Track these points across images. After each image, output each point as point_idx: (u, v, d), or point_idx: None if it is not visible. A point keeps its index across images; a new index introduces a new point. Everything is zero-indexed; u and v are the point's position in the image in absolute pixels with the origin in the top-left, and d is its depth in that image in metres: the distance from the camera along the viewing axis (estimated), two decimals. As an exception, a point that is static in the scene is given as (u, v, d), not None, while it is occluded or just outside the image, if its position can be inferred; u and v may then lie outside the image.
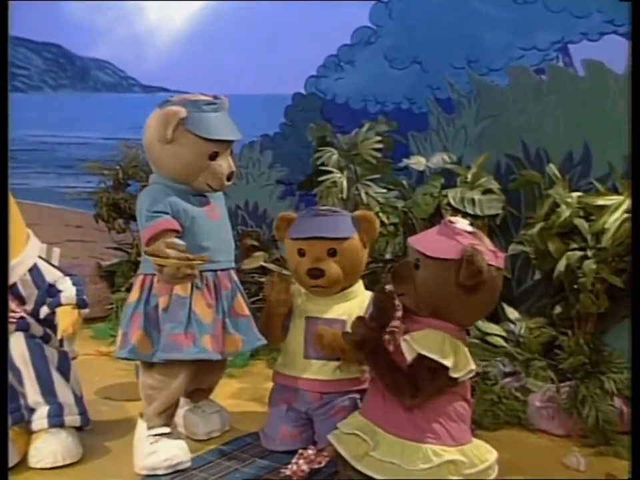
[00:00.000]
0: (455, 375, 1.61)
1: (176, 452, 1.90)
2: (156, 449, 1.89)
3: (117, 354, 1.96)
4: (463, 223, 1.67)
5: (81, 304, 2.11)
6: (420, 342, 1.62)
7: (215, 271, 1.96)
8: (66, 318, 2.04)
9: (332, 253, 1.92)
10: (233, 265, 2.05)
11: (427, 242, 1.66)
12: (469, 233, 1.65)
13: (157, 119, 1.92)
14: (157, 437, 1.91)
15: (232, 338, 1.95)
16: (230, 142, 1.99)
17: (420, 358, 1.61)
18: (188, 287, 1.91)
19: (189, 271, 1.80)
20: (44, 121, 4.08)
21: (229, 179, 1.99)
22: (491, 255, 1.63)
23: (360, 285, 2.03)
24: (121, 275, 3.13)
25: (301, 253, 1.94)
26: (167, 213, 1.90)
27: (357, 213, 2.03)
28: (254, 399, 2.38)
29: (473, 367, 1.66)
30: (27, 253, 2.05)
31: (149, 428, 1.93)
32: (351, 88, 3.40)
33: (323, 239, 1.92)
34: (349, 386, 1.96)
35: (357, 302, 1.98)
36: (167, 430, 1.94)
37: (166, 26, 3.84)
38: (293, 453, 1.92)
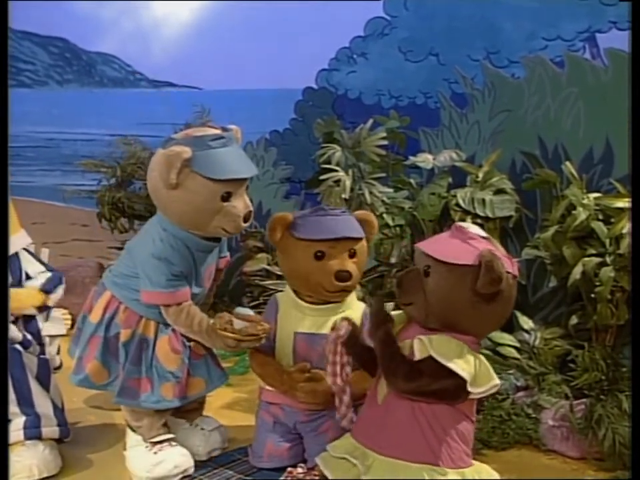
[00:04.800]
0: (474, 391, 1.50)
1: (182, 458, 1.85)
2: (162, 457, 1.82)
3: (70, 378, 1.87)
4: (474, 228, 1.58)
5: (46, 288, 2.00)
6: (437, 347, 1.49)
7: None
8: (22, 293, 1.95)
9: (352, 254, 1.80)
10: None
11: (439, 246, 1.54)
12: (483, 238, 1.54)
13: (159, 162, 1.72)
14: (160, 446, 1.85)
15: (195, 380, 1.86)
16: (244, 179, 1.79)
17: (430, 361, 1.48)
18: (153, 329, 1.81)
19: (264, 342, 1.78)
20: (50, 116, 4.03)
21: (245, 220, 1.79)
22: (507, 261, 1.52)
23: (353, 296, 1.90)
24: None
25: (318, 256, 1.78)
26: (185, 276, 1.80)
27: (359, 213, 1.90)
28: (249, 410, 2.25)
29: (497, 381, 1.53)
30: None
31: (149, 439, 1.86)
32: (364, 82, 3.29)
33: (346, 240, 1.79)
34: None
35: (349, 314, 1.80)
36: (170, 435, 1.88)
37: (173, 19, 3.76)
38: (281, 470, 1.85)
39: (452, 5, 3.09)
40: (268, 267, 2.80)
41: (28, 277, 2.03)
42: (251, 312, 1.84)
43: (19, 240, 2.01)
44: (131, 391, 1.80)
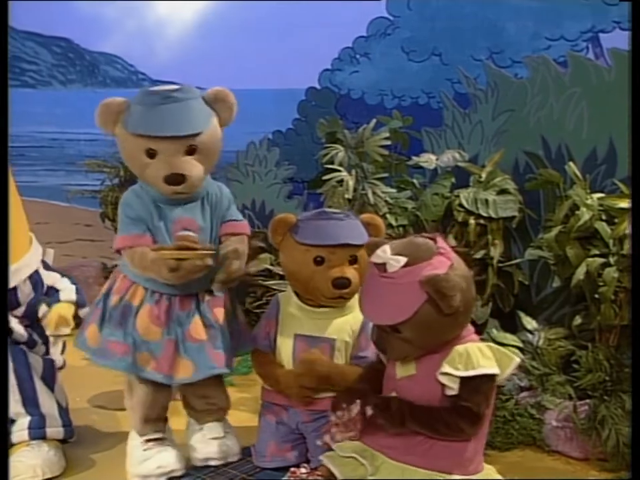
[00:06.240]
0: (501, 377, 1.51)
1: (168, 459, 1.84)
2: (148, 455, 1.84)
3: (74, 342, 1.93)
4: (391, 261, 1.49)
5: (80, 302, 2.04)
6: (459, 365, 1.48)
7: (175, 295, 1.84)
8: (60, 313, 1.97)
9: (353, 261, 1.79)
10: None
11: (383, 309, 1.51)
12: (404, 265, 1.47)
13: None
14: (150, 444, 1.86)
15: (184, 363, 1.84)
16: (175, 139, 1.72)
17: (466, 382, 1.48)
18: (139, 297, 1.83)
19: (210, 261, 1.74)
20: (53, 117, 4.03)
21: (172, 183, 1.73)
22: (438, 261, 1.47)
23: (355, 299, 1.85)
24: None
25: (318, 261, 1.78)
26: (144, 223, 1.80)
27: (365, 217, 1.89)
28: (253, 411, 2.25)
29: (517, 359, 1.54)
30: (28, 258, 1.97)
31: (141, 435, 1.88)
32: (367, 82, 3.30)
33: (347, 246, 1.77)
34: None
35: (351, 317, 1.83)
36: (159, 435, 1.89)
37: (176, 19, 3.76)
38: (285, 470, 1.85)
39: (455, 5, 3.09)
40: (271, 267, 2.80)
41: (49, 289, 2.04)
42: (192, 234, 1.78)
43: (34, 255, 2.01)
44: (108, 352, 1.82)
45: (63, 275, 2.12)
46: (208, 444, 1.93)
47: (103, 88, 4.01)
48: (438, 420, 1.49)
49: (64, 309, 1.99)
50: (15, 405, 1.86)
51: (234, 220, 1.92)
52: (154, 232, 1.80)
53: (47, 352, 2.03)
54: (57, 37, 4.06)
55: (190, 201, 1.83)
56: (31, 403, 1.88)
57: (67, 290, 2.05)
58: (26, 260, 1.94)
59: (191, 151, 1.75)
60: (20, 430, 1.85)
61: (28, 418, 1.87)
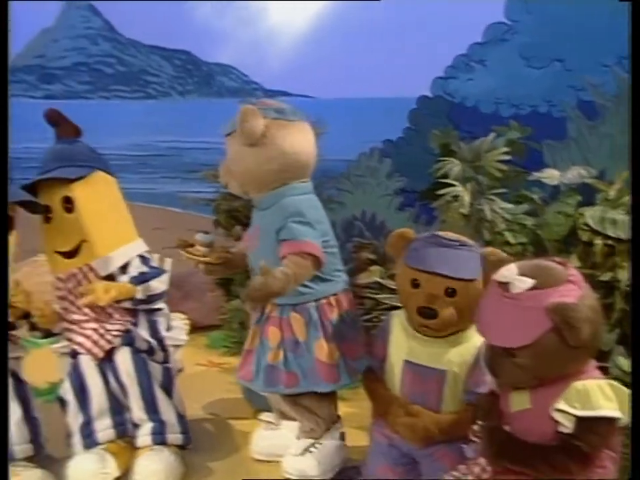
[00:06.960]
0: (625, 420, 1.40)
1: (257, 443, 2.08)
2: (259, 431, 2.11)
3: None
4: (515, 280, 1.40)
5: (133, 280, 2.00)
6: (576, 403, 1.40)
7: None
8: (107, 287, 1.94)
9: (450, 293, 1.67)
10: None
11: (506, 330, 1.42)
12: (532, 288, 1.39)
13: None
14: (263, 423, 2.12)
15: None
16: None
17: (583, 422, 1.39)
18: None
19: (211, 267, 1.96)
20: (172, 126, 4.19)
21: None
22: (567, 289, 1.38)
23: (473, 328, 1.75)
24: (237, 282, 3.10)
25: (415, 284, 1.71)
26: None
27: (488, 251, 1.73)
28: (361, 427, 2.23)
29: None
30: (120, 252, 2.04)
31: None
32: (482, 90, 3.19)
33: (445, 277, 1.67)
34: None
35: (464, 348, 1.73)
36: (268, 419, 2.13)
37: (288, 28, 3.80)
38: (396, 494, 1.82)
39: (578, 7, 2.93)
40: (381, 280, 2.77)
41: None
42: (212, 238, 2.01)
43: (131, 249, 2.08)
44: None
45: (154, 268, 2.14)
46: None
47: (218, 98, 4.14)
48: (541, 459, 1.41)
49: (116, 286, 1.96)
50: (138, 411, 1.95)
51: (288, 239, 1.85)
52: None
53: (166, 360, 2.09)
54: (178, 49, 4.23)
55: (263, 208, 1.95)
56: (152, 409, 1.96)
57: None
58: (115, 254, 2.02)
59: None
60: (144, 435, 1.94)
61: (151, 424, 1.95)
